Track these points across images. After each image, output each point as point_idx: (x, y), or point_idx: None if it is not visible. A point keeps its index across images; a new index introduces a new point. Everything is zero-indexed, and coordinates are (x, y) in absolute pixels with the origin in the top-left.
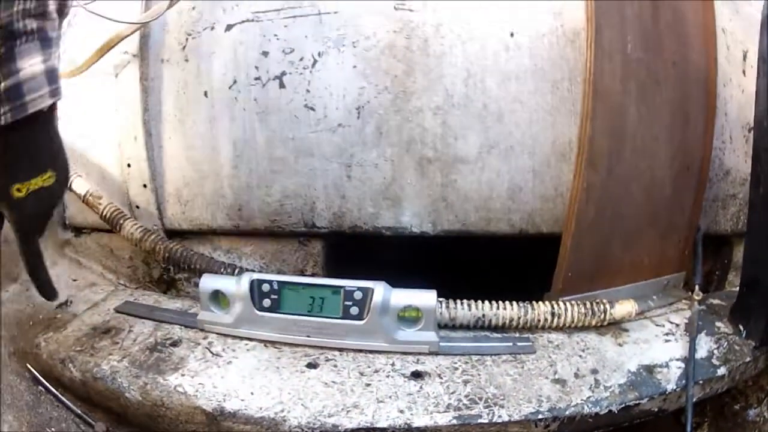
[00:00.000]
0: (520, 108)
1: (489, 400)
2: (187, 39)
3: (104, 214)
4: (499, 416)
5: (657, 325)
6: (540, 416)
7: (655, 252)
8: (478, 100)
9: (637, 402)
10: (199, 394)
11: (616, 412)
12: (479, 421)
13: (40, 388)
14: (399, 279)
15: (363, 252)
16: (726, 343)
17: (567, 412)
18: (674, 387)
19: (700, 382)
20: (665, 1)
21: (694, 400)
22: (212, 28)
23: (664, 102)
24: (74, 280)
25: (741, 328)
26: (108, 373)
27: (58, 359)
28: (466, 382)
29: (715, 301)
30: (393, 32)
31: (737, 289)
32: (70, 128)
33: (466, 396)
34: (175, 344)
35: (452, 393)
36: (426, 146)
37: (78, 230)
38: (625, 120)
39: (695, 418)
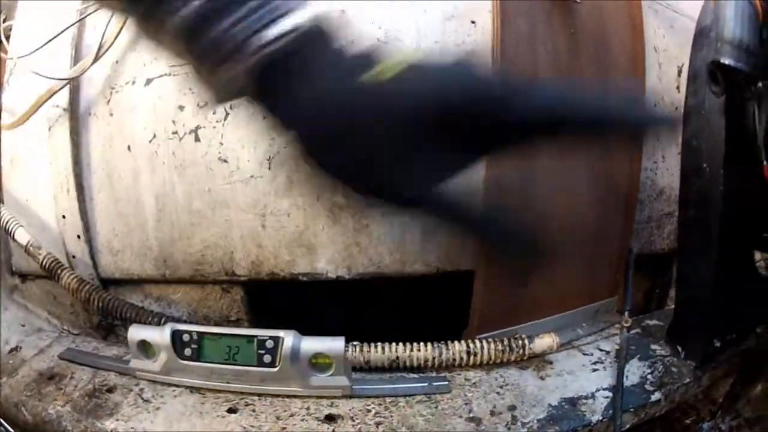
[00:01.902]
0: None
1: None
2: (111, 93)
3: (44, 264)
4: None
5: (585, 354)
6: None
7: (581, 281)
8: None
9: None
10: None
11: None
12: None
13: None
14: (319, 323)
15: (283, 297)
16: (661, 366)
17: None
18: (600, 418)
19: (631, 409)
20: (587, 37)
21: (628, 427)
22: (133, 83)
23: None
24: (23, 326)
25: (679, 348)
26: (54, 417)
27: (12, 403)
28: (378, 424)
29: (652, 322)
30: None
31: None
32: (12, 178)
33: None
34: (110, 390)
35: None
36: (336, 193)
37: (24, 276)
38: (535, 159)
39: None
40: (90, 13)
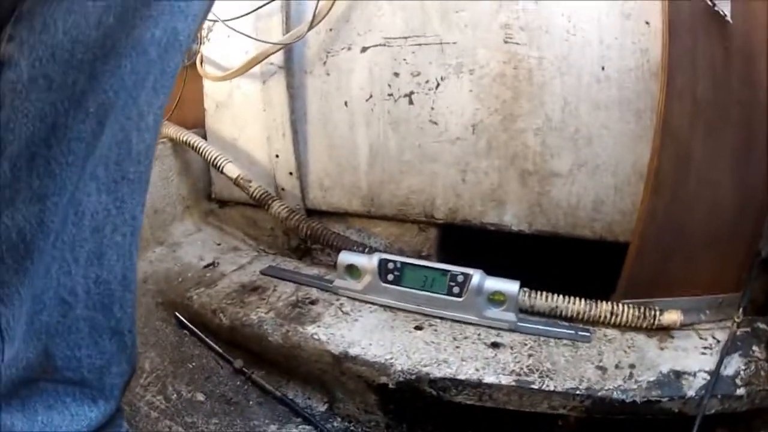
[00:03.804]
0: (606, 133)
1: (543, 373)
2: (327, 56)
3: (254, 194)
4: (547, 386)
5: (701, 338)
6: (577, 392)
7: (712, 271)
8: (572, 124)
9: (659, 399)
10: (330, 341)
11: (639, 403)
12: (531, 386)
13: (184, 331)
14: (496, 267)
15: (470, 241)
16: (754, 367)
17: (599, 394)
18: (693, 394)
19: (718, 396)
20: (737, 49)
21: (712, 412)
22: (349, 49)
23: (729, 139)
24: (218, 245)
25: None
26: (256, 321)
27: (210, 309)
28: (530, 356)
29: (763, 326)
30: (503, 63)
31: None
32: (218, 120)
33: (527, 366)
34: (313, 303)
35: (517, 362)
36: (527, 161)
37: (222, 203)
38: (690, 154)
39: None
40: None
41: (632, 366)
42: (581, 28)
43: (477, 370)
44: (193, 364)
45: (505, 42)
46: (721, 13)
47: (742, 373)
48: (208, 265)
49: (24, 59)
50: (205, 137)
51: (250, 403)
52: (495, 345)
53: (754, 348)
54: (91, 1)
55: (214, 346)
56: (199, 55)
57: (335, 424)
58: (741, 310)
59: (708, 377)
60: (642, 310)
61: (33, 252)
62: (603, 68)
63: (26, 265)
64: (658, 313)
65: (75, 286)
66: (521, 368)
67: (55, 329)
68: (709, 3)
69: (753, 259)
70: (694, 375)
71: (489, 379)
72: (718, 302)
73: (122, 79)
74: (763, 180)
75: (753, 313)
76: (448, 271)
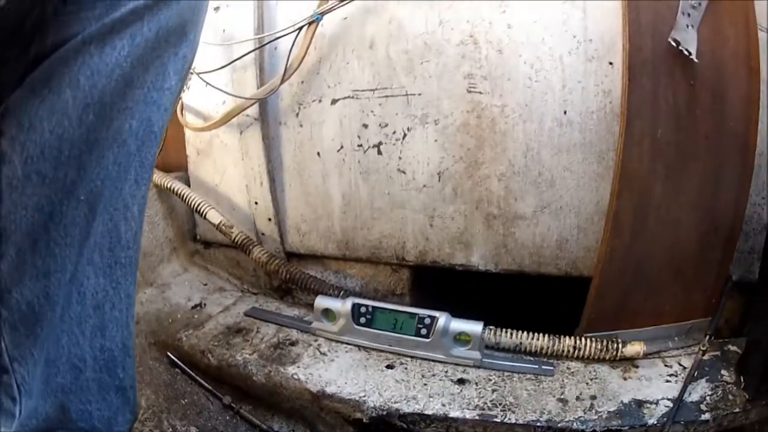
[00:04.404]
0: (569, 175)
1: (505, 406)
2: (299, 107)
3: (235, 240)
4: (509, 419)
5: (666, 366)
6: (539, 424)
7: (678, 301)
8: (535, 169)
9: (618, 428)
10: (308, 381)
11: None
12: (494, 420)
13: (176, 370)
14: (466, 303)
15: (441, 280)
16: (721, 392)
17: (559, 425)
18: (655, 422)
19: (682, 422)
20: (705, 86)
21: None
22: (320, 101)
23: (693, 175)
24: (204, 284)
25: (742, 379)
26: (241, 362)
27: (199, 350)
28: (493, 391)
29: (734, 348)
30: (466, 112)
31: None
32: (199, 166)
33: (491, 401)
34: (293, 344)
35: (481, 397)
36: (492, 205)
37: (207, 244)
38: (650, 196)
39: None
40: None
41: (593, 397)
42: (544, 74)
43: (443, 405)
44: (186, 400)
45: (469, 91)
46: (686, 52)
47: (708, 398)
48: (195, 306)
49: (17, 156)
50: (188, 182)
51: None
52: (461, 381)
53: (723, 372)
54: (71, 100)
55: (204, 383)
56: (179, 103)
57: None
58: (707, 336)
59: (671, 404)
60: (604, 343)
61: (42, 320)
62: (565, 112)
63: (37, 331)
64: (620, 345)
65: (83, 354)
66: (485, 403)
67: (69, 388)
68: (673, 43)
69: (724, 284)
70: (656, 403)
71: (454, 413)
72: (687, 328)
73: (107, 169)
74: (730, 210)
75: (729, 334)
76: (416, 314)
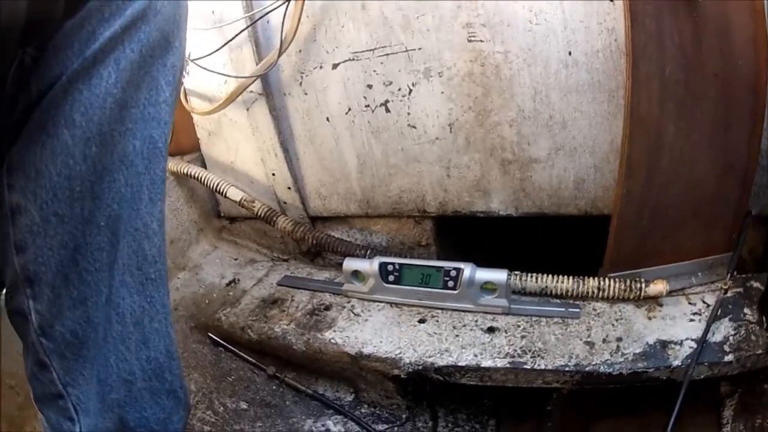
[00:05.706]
0: (580, 116)
1: (535, 353)
2: (301, 76)
3: (259, 213)
4: (539, 365)
5: (690, 303)
6: (567, 369)
7: (698, 238)
8: (545, 112)
9: (645, 370)
10: (346, 344)
11: (626, 374)
12: (524, 367)
13: (219, 349)
14: (488, 251)
15: (464, 227)
16: (744, 331)
17: (587, 369)
18: (679, 364)
19: (706, 363)
20: (709, 25)
21: (702, 377)
22: (321, 67)
23: (704, 113)
24: (235, 259)
25: (764, 319)
26: (280, 333)
27: (238, 327)
28: (522, 337)
29: (756, 284)
30: (469, 62)
31: None
32: (212, 147)
33: (520, 348)
34: (327, 308)
35: (511, 345)
36: (506, 151)
37: (232, 219)
38: (662, 137)
39: (730, 387)
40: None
41: (619, 339)
42: (544, 16)
43: (475, 356)
44: (232, 377)
45: (469, 41)
46: None
47: (731, 338)
48: (229, 283)
49: (31, 205)
50: (203, 164)
51: (287, 402)
52: (491, 330)
53: (745, 311)
54: (71, 140)
55: (248, 357)
56: (182, 89)
57: (362, 410)
58: (729, 274)
59: (695, 345)
60: (628, 282)
61: (87, 342)
62: (570, 53)
63: (84, 353)
64: (643, 284)
65: (132, 368)
66: (515, 350)
67: (123, 402)
68: None
69: (744, 219)
70: (681, 344)
71: (486, 363)
72: (709, 264)
73: (120, 192)
74: (746, 143)
75: (753, 266)
76: (442, 267)
